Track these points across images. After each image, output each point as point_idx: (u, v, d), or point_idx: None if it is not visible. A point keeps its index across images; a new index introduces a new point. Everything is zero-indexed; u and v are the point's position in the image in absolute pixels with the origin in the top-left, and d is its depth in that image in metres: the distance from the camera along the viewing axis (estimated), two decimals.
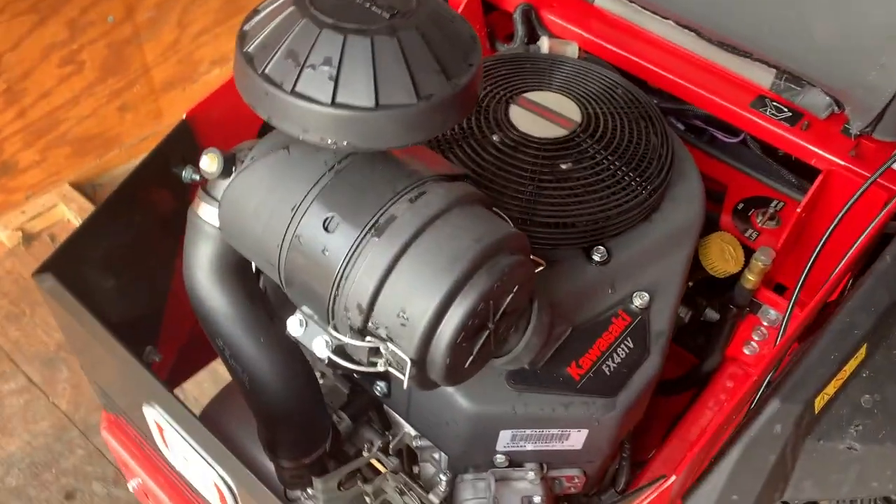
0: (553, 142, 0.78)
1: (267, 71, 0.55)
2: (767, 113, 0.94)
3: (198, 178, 0.67)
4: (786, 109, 0.94)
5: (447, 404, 0.71)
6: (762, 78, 0.95)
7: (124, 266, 0.89)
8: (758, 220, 0.95)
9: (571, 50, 1.01)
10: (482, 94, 0.82)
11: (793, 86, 0.92)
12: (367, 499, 0.78)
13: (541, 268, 0.65)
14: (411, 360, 0.56)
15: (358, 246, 0.57)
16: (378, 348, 0.57)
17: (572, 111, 0.81)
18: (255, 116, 0.59)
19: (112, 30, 1.68)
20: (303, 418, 0.73)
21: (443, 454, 0.78)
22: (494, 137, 0.79)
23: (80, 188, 1.84)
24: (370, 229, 0.57)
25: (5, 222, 1.75)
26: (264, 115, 0.57)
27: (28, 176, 1.75)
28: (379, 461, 0.80)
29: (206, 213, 0.67)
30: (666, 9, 0.96)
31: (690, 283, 0.89)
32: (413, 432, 0.81)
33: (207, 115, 0.89)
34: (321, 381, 0.83)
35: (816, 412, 0.69)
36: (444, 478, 0.77)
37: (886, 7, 0.79)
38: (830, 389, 0.68)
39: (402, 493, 0.78)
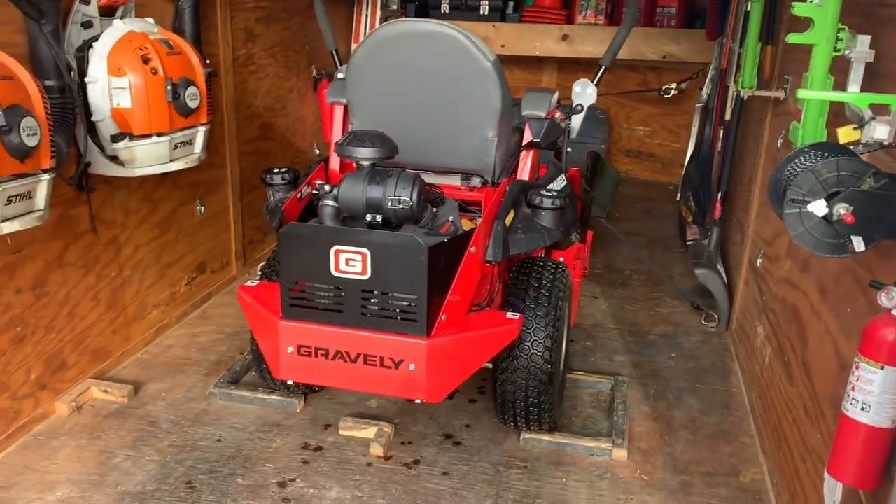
0: None
1: None
2: (462, 191, 2.64)
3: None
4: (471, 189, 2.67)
5: None
6: (456, 180, 2.67)
7: None
8: None
9: None
10: None
11: (467, 180, 2.65)
12: None
13: None
14: None
15: None
16: None
17: None
18: None
19: None
20: None
21: None
22: None
23: None
24: None
25: None
26: None
27: None
28: None
29: (324, 202, 2.11)
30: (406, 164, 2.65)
31: None
32: None
33: None
34: None
35: (508, 225, 2.27)
36: None
37: (478, 130, 2.56)
38: (508, 219, 2.28)
39: None
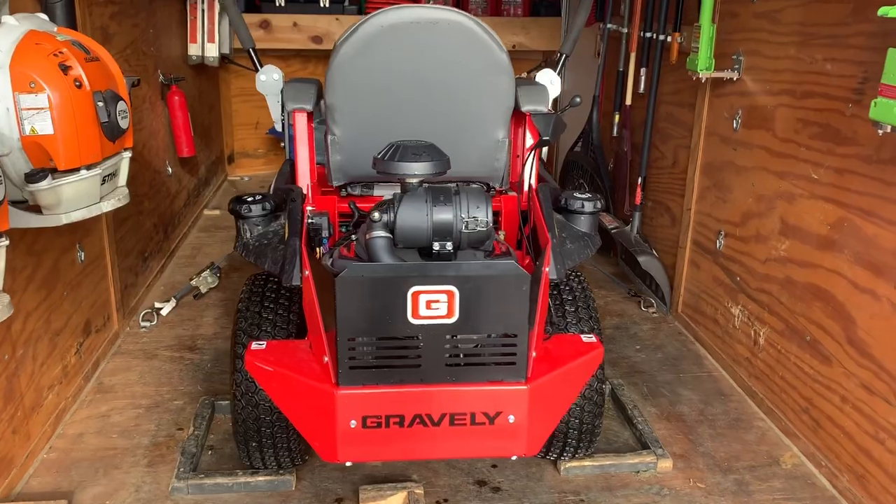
0: None
1: None
2: None
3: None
4: None
5: None
6: None
7: None
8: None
9: None
10: None
11: (470, 184, 2.33)
12: None
13: None
14: None
15: None
16: None
17: None
18: None
19: None
20: None
21: None
22: None
23: None
24: None
25: None
26: None
27: None
28: None
29: (376, 234, 1.69)
30: None
31: None
32: None
33: None
34: None
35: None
36: None
37: (485, 138, 2.25)
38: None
39: None
